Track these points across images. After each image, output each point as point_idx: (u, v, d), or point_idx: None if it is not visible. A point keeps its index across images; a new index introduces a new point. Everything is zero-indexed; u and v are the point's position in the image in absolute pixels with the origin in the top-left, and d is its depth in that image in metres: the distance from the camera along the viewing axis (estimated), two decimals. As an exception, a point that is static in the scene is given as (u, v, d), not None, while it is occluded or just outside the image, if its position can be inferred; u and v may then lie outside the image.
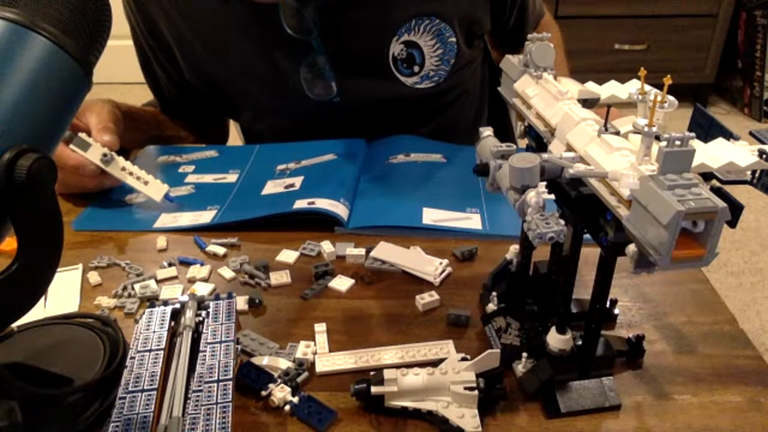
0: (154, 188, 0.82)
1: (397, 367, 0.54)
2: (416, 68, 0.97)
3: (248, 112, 1.06)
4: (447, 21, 0.94)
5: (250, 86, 0.99)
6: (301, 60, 0.93)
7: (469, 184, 0.85)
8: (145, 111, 1.07)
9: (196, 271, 0.71)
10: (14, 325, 0.48)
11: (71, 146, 0.79)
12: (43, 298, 0.57)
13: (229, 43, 0.95)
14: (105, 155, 0.80)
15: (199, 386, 0.51)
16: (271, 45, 0.93)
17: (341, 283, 0.68)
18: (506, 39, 1.11)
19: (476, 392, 0.51)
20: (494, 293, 0.62)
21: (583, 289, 0.61)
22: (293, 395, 0.53)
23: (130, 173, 0.82)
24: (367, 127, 0.98)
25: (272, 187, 0.86)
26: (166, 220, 0.80)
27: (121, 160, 0.82)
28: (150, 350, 0.55)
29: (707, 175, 0.44)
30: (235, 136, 1.24)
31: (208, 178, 0.91)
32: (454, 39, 0.96)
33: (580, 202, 0.47)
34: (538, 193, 0.43)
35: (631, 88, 0.51)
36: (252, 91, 1.00)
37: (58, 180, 0.45)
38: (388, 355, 0.58)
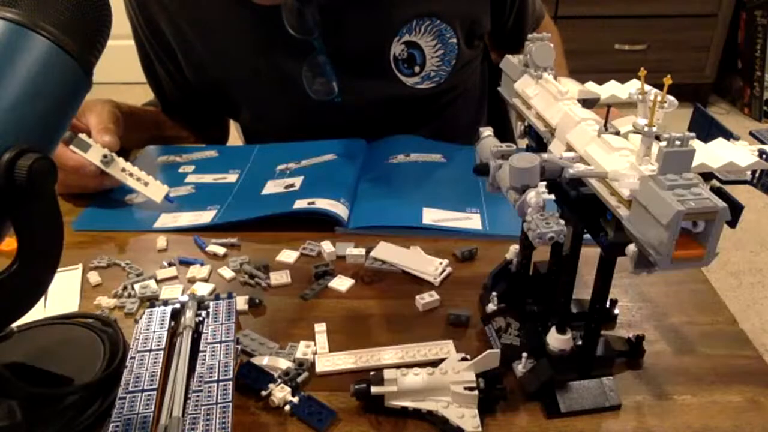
0: (154, 189, 0.82)
1: (397, 367, 0.54)
2: (417, 68, 0.97)
3: (249, 111, 1.06)
4: (448, 22, 0.94)
5: (251, 86, 0.99)
6: (302, 60, 0.93)
7: (469, 184, 0.85)
8: (145, 111, 1.07)
9: (196, 271, 0.71)
10: (14, 325, 0.48)
11: (71, 147, 0.79)
12: (43, 298, 0.57)
13: (231, 44, 0.95)
14: (105, 156, 0.80)
15: (199, 386, 0.51)
16: (272, 45, 0.93)
17: (341, 283, 0.68)
18: (506, 40, 1.11)
19: (476, 392, 0.51)
20: (494, 293, 0.62)
21: (583, 289, 0.61)
22: (293, 395, 0.53)
23: (130, 174, 0.82)
24: (367, 127, 0.98)
25: (272, 187, 0.86)
26: (166, 220, 0.80)
27: (121, 161, 0.82)
28: (150, 350, 0.55)
29: (707, 175, 0.44)
30: (235, 136, 1.24)
31: (208, 178, 0.90)
32: (454, 40, 0.96)
33: (580, 202, 0.47)
34: (538, 193, 0.43)
35: (631, 88, 0.51)
36: (253, 91, 1.00)
37: (58, 180, 0.45)
38: (388, 355, 0.58)
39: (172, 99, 1.07)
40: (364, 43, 0.94)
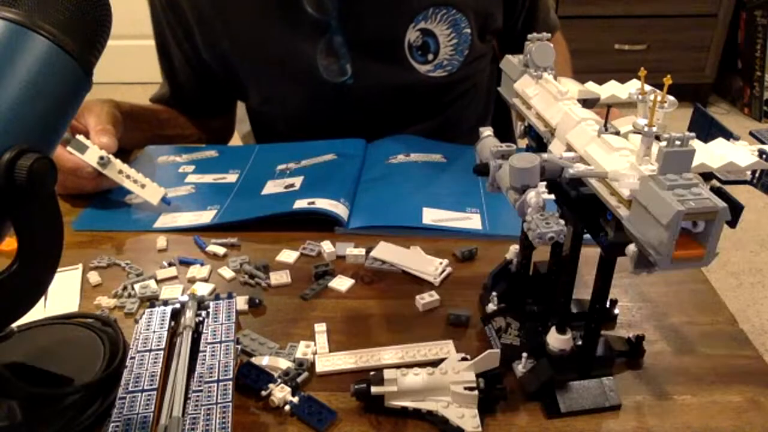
0: (150, 191, 0.82)
1: (397, 367, 0.54)
2: (430, 56, 0.98)
3: (258, 92, 1.06)
4: (463, 12, 0.96)
5: (264, 65, 1.00)
6: (318, 39, 0.94)
7: (469, 184, 0.85)
8: (147, 110, 1.06)
9: (196, 271, 0.71)
10: (14, 325, 0.48)
11: (68, 148, 0.79)
12: (43, 298, 0.57)
13: (248, 21, 0.96)
14: (102, 158, 0.80)
15: (199, 386, 0.51)
16: (289, 24, 0.94)
17: (341, 283, 0.68)
18: (514, 43, 1.11)
19: (476, 392, 0.51)
20: (494, 293, 0.62)
21: (583, 289, 0.61)
22: (293, 395, 0.53)
23: (127, 176, 0.82)
24: (376, 114, 0.99)
25: (272, 187, 0.86)
26: (165, 220, 0.80)
27: (118, 163, 0.81)
28: (150, 350, 0.55)
29: (707, 175, 0.44)
30: (235, 137, 1.24)
31: (208, 178, 0.91)
32: (468, 30, 0.98)
33: (580, 202, 0.47)
34: (538, 193, 0.43)
35: (631, 88, 0.51)
36: (265, 71, 1.01)
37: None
38: (388, 355, 0.58)
39: (184, 83, 1.06)
40: (380, 27, 0.95)
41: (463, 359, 0.53)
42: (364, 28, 0.95)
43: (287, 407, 0.53)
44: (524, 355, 0.55)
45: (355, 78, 0.98)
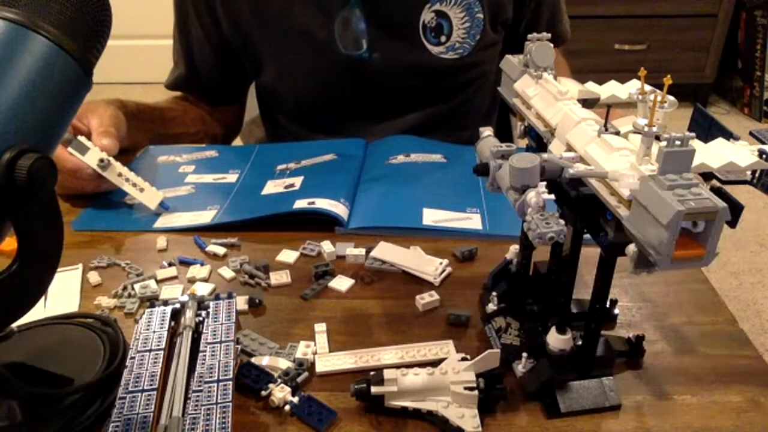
0: (149, 195, 0.82)
1: (397, 367, 0.54)
2: (443, 38, 1.00)
3: (274, 66, 1.06)
4: None
5: (283, 36, 1.00)
6: (337, 12, 0.96)
7: (469, 184, 0.85)
8: (153, 109, 1.06)
9: (196, 271, 0.71)
10: (14, 325, 0.48)
11: (69, 149, 0.79)
12: (43, 298, 0.57)
13: None
14: (102, 160, 0.80)
15: (199, 386, 0.51)
16: None
17: (341, 283, 0.68)
18: (516, 45, 1.11)
19: (476, 392, 0.51)
20: (494, 293, 0.62)
21: (583, 289, 0.61)
22: (293, 395, 0.53)
23: (127, 179, 0.81)
24: (386, 93, 1.00)
25: (272, 187, 0.86)
26: (165, 220, 0.80)
27: (118, 166, 0.81)
28: (150, 350, 0.55)
29: (707, 175, 0.44)
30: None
31: (208, 178, 0.91)
32: (481, 15, 1.00)
33: (580, 202, 0.47)
34: (538, 193, 0.43)
35: (631, 88, 0.51)
36: (283, 42, 1.01)
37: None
38: (388, 355, 0.58)
39: (201, 63, 1.07)
40: (397, 4, 0.97)
41: (463, 359, 0.53)
42: (383, 5, 0.97)
43: (287, 407, 0.53)
44: (524, 355, 0.55)
45: (370, 53, 0.99)
